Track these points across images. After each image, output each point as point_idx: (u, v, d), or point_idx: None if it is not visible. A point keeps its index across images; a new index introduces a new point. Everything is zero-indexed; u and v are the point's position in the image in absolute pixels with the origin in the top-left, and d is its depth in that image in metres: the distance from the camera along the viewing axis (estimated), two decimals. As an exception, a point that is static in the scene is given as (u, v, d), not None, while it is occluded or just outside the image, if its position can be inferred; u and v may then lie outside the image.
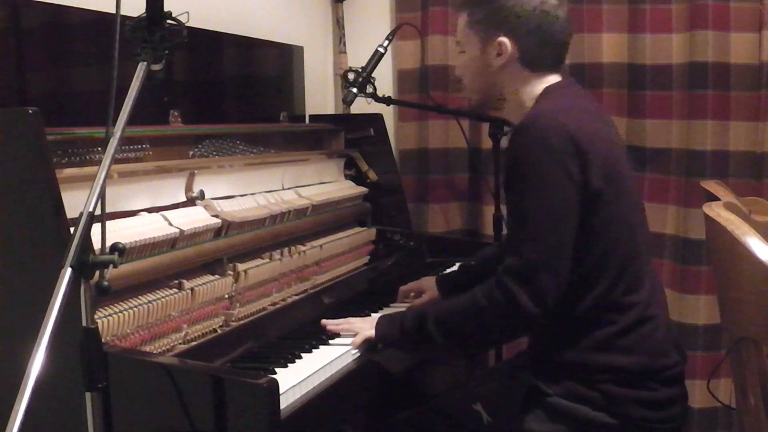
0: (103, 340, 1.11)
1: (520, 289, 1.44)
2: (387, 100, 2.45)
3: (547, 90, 1.59)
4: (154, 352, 1.45)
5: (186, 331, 1.55)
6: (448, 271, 2.21)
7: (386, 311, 1.97)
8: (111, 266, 1.06)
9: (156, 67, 1.26)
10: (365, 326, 1.67)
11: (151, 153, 1.71)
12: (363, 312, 1.92)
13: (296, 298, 1.91)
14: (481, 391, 1.65)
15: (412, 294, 2.07)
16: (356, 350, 1.63)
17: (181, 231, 1.58)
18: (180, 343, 1.52)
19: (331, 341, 1.68)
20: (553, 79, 1.62)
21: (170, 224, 1.58)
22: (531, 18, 1.57)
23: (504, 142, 2.56)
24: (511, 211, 1.53)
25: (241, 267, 1.73)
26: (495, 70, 1.61)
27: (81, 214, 1.07)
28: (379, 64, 2.40)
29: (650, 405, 1.51)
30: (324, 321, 1.75)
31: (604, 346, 1.51)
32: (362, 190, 2.45)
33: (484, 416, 1.58)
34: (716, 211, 1.41)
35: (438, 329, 1.56)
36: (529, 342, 1.70)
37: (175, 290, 1.54)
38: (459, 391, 1.68)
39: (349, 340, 1.65)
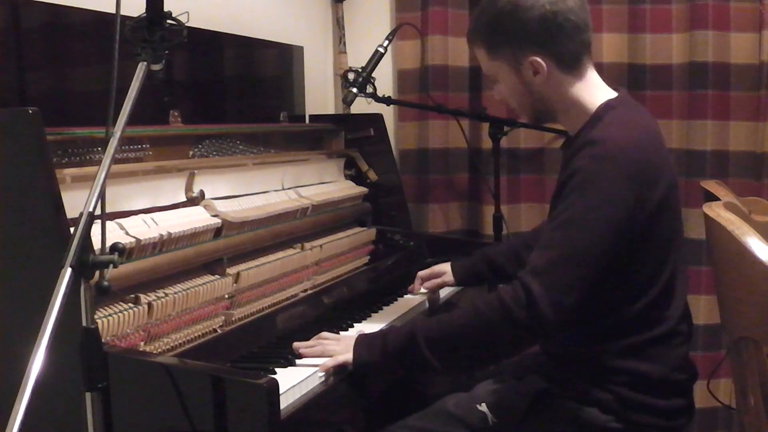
0: (103, 340, 1.11)
1: (538, 284, 1.39)
2: (387, 100, 2.45)
3: (610, 104, 1.53)
4: (154, 352, 1.45)
5: (186, 331, 1.55)
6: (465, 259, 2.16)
7: (385, 311, 1.97)
8: (111, 266, 1.06)
9: (156, 67, 1.26)
10: (339, 348, 1.55)
11: (151, 153, 1.71)
12: (363, 313, 1.92)
13: (296, 298, 1.91)
14: (486, 391, 1.64)
15: (425, 280, 2.10)
16: (323, 374, 1.49)
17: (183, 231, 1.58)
18: (180, 343, 1.52)
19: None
20: (594, 75, 1.58)
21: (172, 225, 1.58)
22: (547, 24, 1.50)
23: (504, 141, 2.57)
24: (555, 216, 1.46)
25: (241, 267, 1.73)
26: (538, 87, 1.54)
27: (81, 214, 1.07)
28: (379, 64, 2.40)
29: (659, 413, 1.50)
30: (296, 344, 1.59)
31: (628, 353, 1.50)
32: (362, 190, 2.45)
33: (489, 417, 1.58)
34: (716, 211, 1.41)
35: (432, 350, 1.46)
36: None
37: (176, 290, 1.54)
38: (463, 391, 1.67)
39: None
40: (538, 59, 1.52)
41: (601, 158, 1.43)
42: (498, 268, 2.03)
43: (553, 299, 1.39)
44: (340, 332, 1.73)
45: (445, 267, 2.11)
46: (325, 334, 1.64)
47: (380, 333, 1.57)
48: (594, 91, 1.57)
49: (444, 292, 2.16)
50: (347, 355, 1.53)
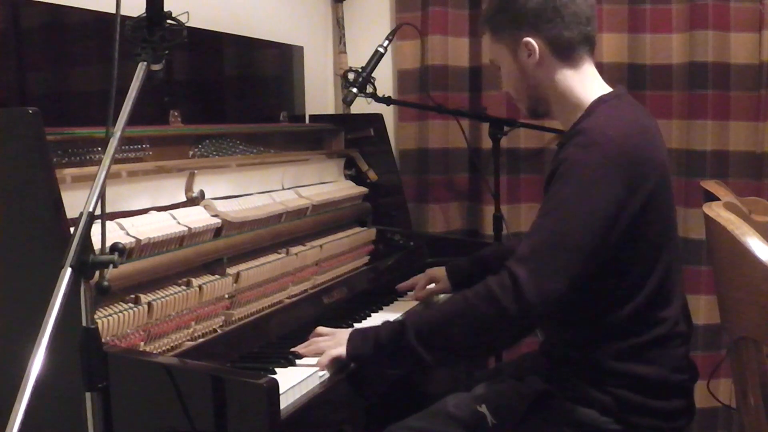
0: (103, 340, 1.12)
1: (523, 270, 1.39)
2: (387, 100, 2.45)
3: (603, 99, 1.54)
4: (154, 352, 1.45)
5: (186, 331, 1.55)
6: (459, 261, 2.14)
7: (385, 311, 1.97)
8: (111, 266, 1.06)
9: (156, 67, 1.26)
10: (333, 344, 1.56)
11: (151, 153, 1.71)
12: (363, 313, 1.92)
13: (296, 298, 1.91)
14: (485, 392, 1.64)
15: (421, 284, 2.08)
16: (324, 371, 1.50)
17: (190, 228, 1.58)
18: (180, 343, 1.52)
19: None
20: (592, 69, 1.59)
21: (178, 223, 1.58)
22: (545, 6, 1.53)
23: (504, 141, 2.57)
24: (543, 205, 1.47)
25: (241, 267, 1.73)
26: (532, 71, 1.57)
27: (81, 214, 1.07)
28: (379, 64, 2.40)
29: (659, 414, 1.50)
30: (294, 348, 1.60)
31: (626, 356, 1.50)
32: (362, 190, 2.45)
33: (488, 418, 1.58)
34: (716, 211, 1.41)
35: (421, 341, 1.46)
36: (542, 340, 1.69)
37: (176, 290, 1.54)
38: (463, 392, 1.67)
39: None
40: (531, 40, 1.55)
41: (588, 146, 1.44)
42: (493, 271, 2.02)
43: (538, 284, 1.38)
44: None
45: (440, 273, 2.09)
46: (320, 329, 1.64)
47: (374, 327, 1.57)
48: (589, 85, 1.58)
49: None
50: (340, 349, 1.53)
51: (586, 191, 1.42)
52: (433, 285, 2.09)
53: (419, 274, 2.14)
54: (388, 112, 2.70)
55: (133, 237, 1.46)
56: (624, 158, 1.43)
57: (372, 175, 2.50)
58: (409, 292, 2.13)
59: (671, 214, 1.58)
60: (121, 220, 1.49)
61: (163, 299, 1.48)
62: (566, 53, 1.56)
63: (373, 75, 2.39)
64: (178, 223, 1.60)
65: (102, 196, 1.10)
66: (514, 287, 1.39)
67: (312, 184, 2.22)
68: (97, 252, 1.10)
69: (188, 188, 1.73)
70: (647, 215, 1.47)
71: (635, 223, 1.45)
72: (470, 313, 1.45)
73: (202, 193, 1.75)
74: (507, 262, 1.43)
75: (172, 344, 1.50)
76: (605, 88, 1.59)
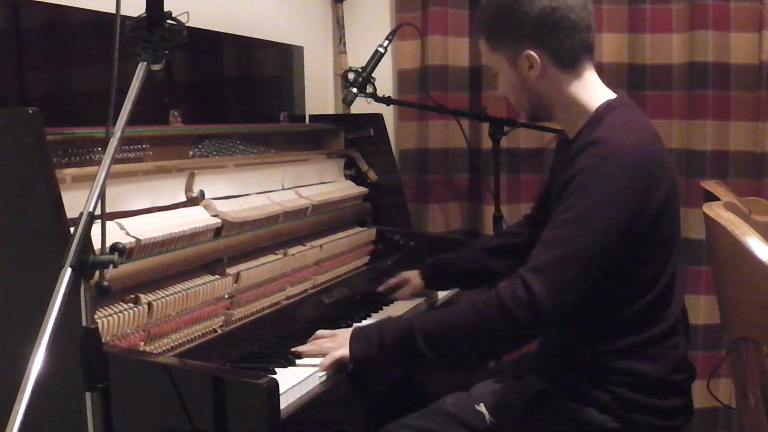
0: (103, 340, 1.12)
1: (539, 282, 1.39)
2: (387, 100, 2.45)
3: (611, 105, 1.54)
4: (154, 352, 1.45)
5: (186, 331, 1.55)
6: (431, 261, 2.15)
7: (385, 311, 1.97)
8: (111, 266, 1.06)
9: (156, 67, 1.26)
10: (335, 345, 1.55)
11: (151, 153, 1.71)
12: (363, 313, 1.92)
13: (296, 298, 1.91)
14: (484, 391, 1.64)
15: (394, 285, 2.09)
16: (324, 373, 1.50)
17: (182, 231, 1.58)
18: (180, 343, 1.52)
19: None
20: (593, 75, 1.58)
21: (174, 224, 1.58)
22: (545, 18, 1.51)
23: (504, 141, 2.57)
24: (557, 214, 1.45)
25: (241, 267, 1.73)
26: (533, 82, 1.55)
27: (81, 214, 1.07)
28: (379, 64, 2.40)
29: (658, 413, 1.51)
30: (294, 348, 1.60)
31: (626, 353, 1.50)
32: (362, 190, 2.45)
33: (487, 417, 1.58)
34: (716, 211, 1.41)
35: (429, 346, 1.46)
36: (541, 340, 1.69)
37: (176, 290, 1.54)
38: (461, 391, 1.67)
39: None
40: (533, 53, 1.53)
41: (605, 158, 1.43)
42: (462, 273, 2.03)
43: (554, 297, 1.39)
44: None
45: (412, 274, 2.08)
46: (320, 332, 1.64)
47: (376, 326, 1.56)
48: (592, 91, 1.57)
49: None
50: (343, 351, 1.53)
51: (604, 204, 1.41)
52: (407, 288, 2.07)
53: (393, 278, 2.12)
54: (388, 112, 2.70)
55: (133, 237, 1.46)
56: (640, 169, 1.43)
57: (372, 175, 2.50)
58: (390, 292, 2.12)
59: (678, 217, 1.58)
60: (121, 220, 1.48)
61: (163, 299, 1.48)
62: (568, 63, 1.55)
63: (373, 75, 2.40)
64: (178, 223, 1.59)
65: (102, 196, 1.11)
66: (530, 298, 1.39)
67: (312, 184, 2.22)
68: (97, 252, 1.10)
69: (188, 188, 1.73)
70: (660, 220, 1.47)
71: (649, 229, 1.45)
72: (482, 324, 1.45)
73: (202, 193, 1.75)
74: (520, 271, 1.43)
75: (172, 344, 1.50)
76: (609, 93, 1.58)
